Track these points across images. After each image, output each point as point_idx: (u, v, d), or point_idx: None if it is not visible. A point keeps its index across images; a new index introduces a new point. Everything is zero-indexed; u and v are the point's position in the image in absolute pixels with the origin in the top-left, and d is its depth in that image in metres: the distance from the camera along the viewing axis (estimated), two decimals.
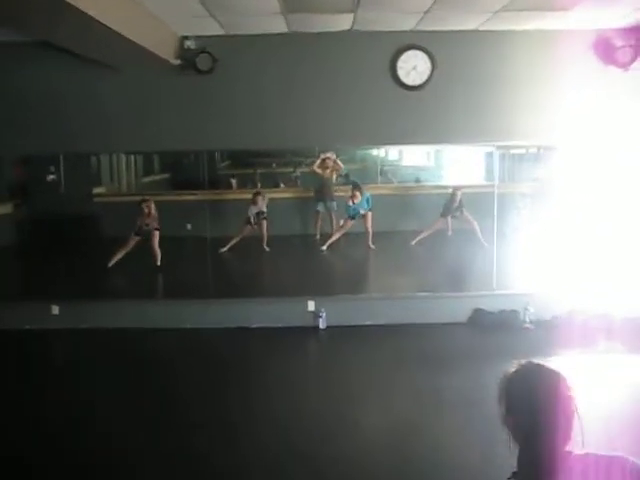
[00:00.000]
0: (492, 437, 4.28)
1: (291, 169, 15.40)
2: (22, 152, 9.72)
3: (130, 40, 5.13)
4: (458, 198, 9.20)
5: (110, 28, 4.67)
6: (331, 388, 5.49)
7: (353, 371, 5.89)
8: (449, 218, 9.36)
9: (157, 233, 9.40)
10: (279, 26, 6.41)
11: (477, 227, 8.64)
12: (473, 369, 5.87)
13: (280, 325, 6.91)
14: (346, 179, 11.28)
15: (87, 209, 11.26)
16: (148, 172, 17.18)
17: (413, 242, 9.03)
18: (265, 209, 10.10)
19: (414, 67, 6.67)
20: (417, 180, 12.71)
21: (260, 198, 10.19)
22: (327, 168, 11.37)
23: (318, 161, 11.69)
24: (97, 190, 13.01)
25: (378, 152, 15.50)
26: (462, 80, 6.72)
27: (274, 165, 16.04)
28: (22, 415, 5.01)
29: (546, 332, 6.64)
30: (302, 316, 6.98)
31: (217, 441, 4.49)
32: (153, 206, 9.76)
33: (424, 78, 6.69)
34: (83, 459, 4.26)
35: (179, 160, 16.91)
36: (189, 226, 11.70)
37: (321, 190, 11.08)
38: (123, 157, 15.44)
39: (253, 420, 4.80)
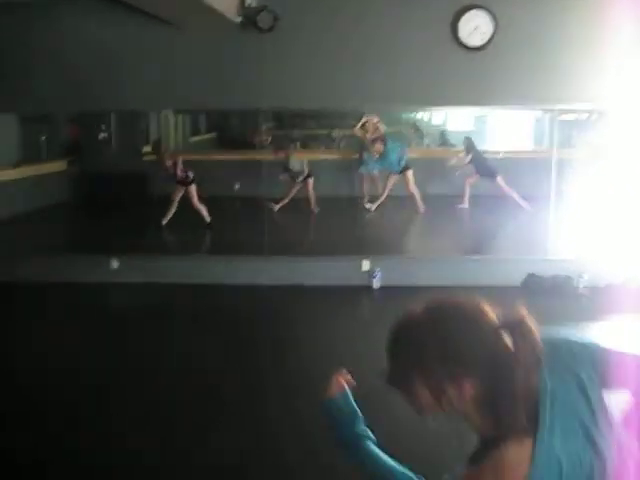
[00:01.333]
0: None
1: (334, 131, 15.42)
2: (76, 110, 9.85)
3: None
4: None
5: None
6: (380, 348, 5.54)
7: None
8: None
9: (192, 188, 9.32)
10: None
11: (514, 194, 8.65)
12: None
13: (334, 284, 6.98)
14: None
15: (137, 167, 11.39)
16: (195, 132, 17.35)
17: (460, 205, 9.04)
18: (303, 169, 10.11)
19: (476, 27, 6.58)
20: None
21: (293, 158, 10.22)
22: (368, 131, 11.37)
23: (359, 124, 11.69)
24: (146, 149, 13.16)
25: (422, 115, 15.42)
26: (525, 41, 6.61)
27: (316, 127, 16.09)
28: (82, 366, 5.18)
29: (600, 299, 6.60)
30: (356, 276, 7.05)
31: (276, 404, 4.58)
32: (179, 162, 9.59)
33: (486, 39, 6.59)
34: (145, 408, 4.41)
35: (225, 120, 17.04)
36: (237, 185, 11.82)
37: (363, 152, 11.12)
38: (171, 116, 15.60)
39: (308, 380, 4.85)
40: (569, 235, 7.85)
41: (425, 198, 9.66)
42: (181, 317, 6.35)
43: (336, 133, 15.54)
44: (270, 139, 14.53)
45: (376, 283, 6.95)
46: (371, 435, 1.61)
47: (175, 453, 3.80)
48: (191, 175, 9.34)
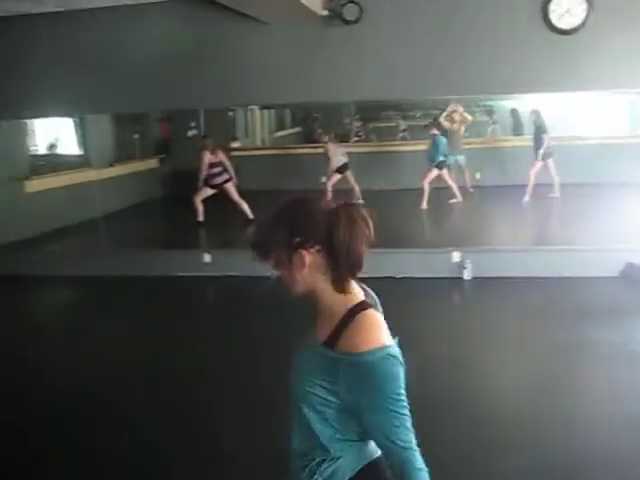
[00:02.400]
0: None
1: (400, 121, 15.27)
2: (167, 108, 10.16)
3: None
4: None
5: None
6: (471, 338, 5.48)
7: (496, 322, 5.85)
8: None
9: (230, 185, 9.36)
10: None
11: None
12: (625, 323, 5.69)
13: (426, 276, 6.93)
14: None
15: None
16: (280, 127, 17.57)
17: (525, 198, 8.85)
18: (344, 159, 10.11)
19: (568, 10, 6.36)
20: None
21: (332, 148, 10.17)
22: (455, 121, 11.18)
23: (444, 114, 11.51)
24: (233, 144, 13.43)
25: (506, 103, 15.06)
26: (619, 23, 6.33)
27: (404, 118, 15.98)
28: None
29: None
30: (447, 267, 6.98)
31: None
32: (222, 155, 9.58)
33: (578, 22, 6.36)
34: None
35: (310, 114, 17.16)
36: (323, 179, 11.90)
37: (450, 143, 10.93)
38: (257, 112, 15.87)
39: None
40: None
41: (509, 188, 9.49)
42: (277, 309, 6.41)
43: (402, 124, 15.47)
44: (360, 132, 14.61)
45: (467, 274, 6.85)
46: None
47: None
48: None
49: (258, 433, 3.90)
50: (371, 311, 1.70)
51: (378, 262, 7.10)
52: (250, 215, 9.08)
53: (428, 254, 7.19)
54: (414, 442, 1.60)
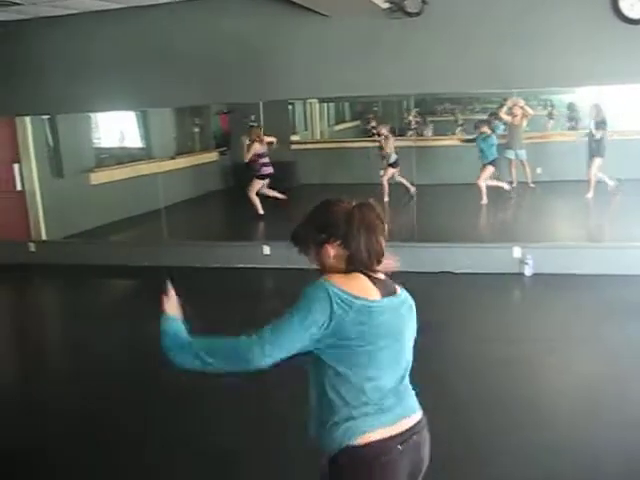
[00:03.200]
0: None
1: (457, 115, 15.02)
2: (227, 101, 10.25)
3: None
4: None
5: None
6: (530, 335, 5.36)
7: (558, 320, 5.70)
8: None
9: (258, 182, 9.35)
10: None
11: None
12: None
13: (485, 271, 6.83)
14: None
15: (284, 155, 11.64)
16: (339, 120, 17.53)
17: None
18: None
19: None
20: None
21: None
22: (516, 115, 10.96)
23: (505, 108, 11.28)
24: (293, 138, 13.46)
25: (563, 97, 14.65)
26: None
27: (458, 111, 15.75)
28: None
29: None
30: (508, 263, 6.85)
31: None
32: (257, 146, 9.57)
33: None
34: None
35: (369, 108, 17.07)
36: (381, 172, 11.83)
37: (510, 137, 10.74)
38: (316, 105, 15.86)
39: (447, 363, 4.81)
40: None
41: (570, 183, 9.30)
42: None
43: (460, 118, 15.22)
44: (417, 126, 14.47)
45: (528, 270, 6.72)
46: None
47: None
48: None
49: None
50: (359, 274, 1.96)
51: (437, 257, 7.11)
52: (261, 211, 9.22)
53: (488, 249, 7.07)
54: (262, 337, 1.85)
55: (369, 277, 1.95)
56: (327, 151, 13.13)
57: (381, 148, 10.41)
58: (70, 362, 5.56)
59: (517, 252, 6.86)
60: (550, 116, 13.50)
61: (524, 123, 10.95)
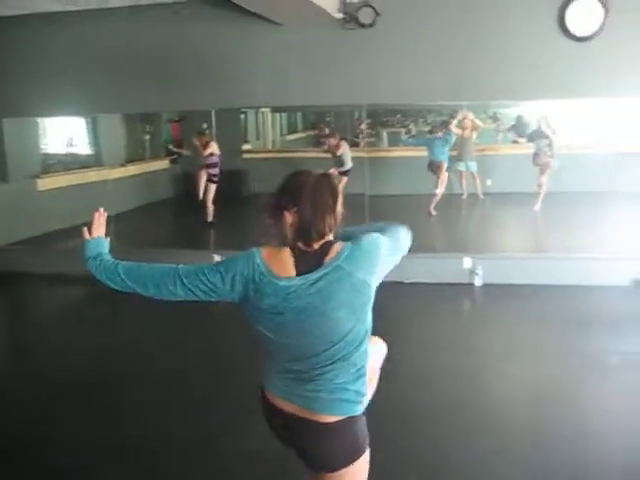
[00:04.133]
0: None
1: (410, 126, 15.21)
2: (178, 109, 10.17)
3: None
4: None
5: None
6: (479, 344, 5.42)
7: (506, 330, 5.78)
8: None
9: (213, 187, 9.25)
10: None
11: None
12: (626, 334, 5.63)
13: (436, 281, 6.89)
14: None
15: (236, 164, 11.59)
16: (291, 130, 17.53)
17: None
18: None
19: (584, 16, 6.33)
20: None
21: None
22: (466, 128, 11.15)
23: (455, 120, 11.47)
24: (245, 147, 13.42)
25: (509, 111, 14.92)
26: (636, 30, 6.31)
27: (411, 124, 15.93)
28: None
29: None
30: (458, 273, 6.93)
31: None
32: (214, 147, 9.44)
33: (595, 28, 6.34)
34: None
35: (321, 118, 17.12)
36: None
37: (461, 149, 10.93)
38: (268, 115, 15.84)
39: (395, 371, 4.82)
40: None
41: (520, 195, 9.50)
42: None
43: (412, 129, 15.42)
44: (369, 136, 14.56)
45: (478, 281, 6.81)
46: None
47: None
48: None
49: None
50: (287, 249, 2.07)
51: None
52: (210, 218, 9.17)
53: (439, 259, 7.14)
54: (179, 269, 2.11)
55: (295, 251, 2.04)
56: (279, 160, 13.09)
57: (333, 154, 10.38)
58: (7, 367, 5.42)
59: (467, 263, 6.95)
60: (498, 128, 13.78)
61: (474, 136, 11.15)
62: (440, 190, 9.50)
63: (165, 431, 4.00)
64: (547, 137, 9.24)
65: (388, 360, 2.81)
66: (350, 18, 6.54)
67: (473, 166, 10.49)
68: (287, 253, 2.04)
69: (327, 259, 2.01)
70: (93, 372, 4.95)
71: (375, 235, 2.11)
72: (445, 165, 9.87)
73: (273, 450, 2.54)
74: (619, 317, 6.00)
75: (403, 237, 2.35)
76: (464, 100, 7.90)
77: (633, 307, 6.29)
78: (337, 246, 2.04)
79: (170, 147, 9.55)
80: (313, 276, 2.00)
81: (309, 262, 2.01)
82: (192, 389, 4.65)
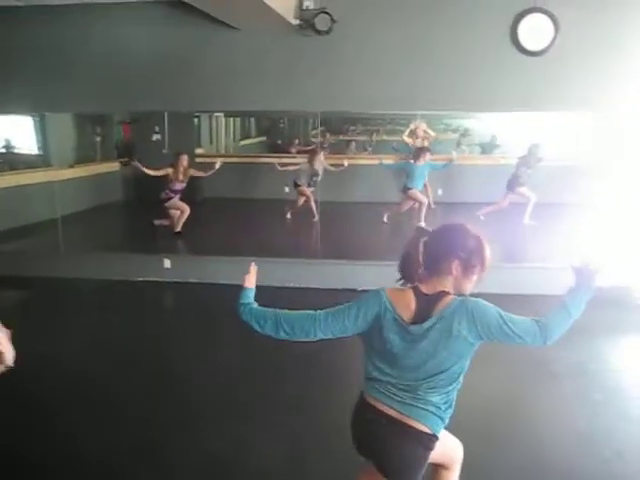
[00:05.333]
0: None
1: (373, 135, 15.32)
2: (130, 110, 10.02)
3: None
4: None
5: None
6: None
7: None
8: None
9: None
10: None
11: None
12: (572, 342, 5.73)
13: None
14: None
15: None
16: (245, 135, 17.46)
17: (480, 213, 8.92)
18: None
19: (536, 32, 6.47)
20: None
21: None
22: (418, 137, 11.28)
23: (407, 130, 11.60)
24: (198, 151, 13.30)
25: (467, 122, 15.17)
26: (585, 46, 6.48)
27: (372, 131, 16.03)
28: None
29: None
30: None
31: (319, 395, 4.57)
32: (193, 172, 9.15)
33: (546, 43, 6.49)
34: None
35: (274, 124, 17.10)
36: (287, 189, 11.84)
37: (412, 159, 11.05)
38: (222, 120, 15.75)
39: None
40: (624, 244, 7.66)
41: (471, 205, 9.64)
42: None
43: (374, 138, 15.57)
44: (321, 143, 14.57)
45: None
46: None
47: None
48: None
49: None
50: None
51: (340, 274, 7.15)
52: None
53: (389, 267, 7.15)
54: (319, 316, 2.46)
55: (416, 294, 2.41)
56: (233, 166, 13.00)
57: (310, 165, 10.17)
58: None
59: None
60: (458, 141, 14.00)
61: (425, 144, 11.29)
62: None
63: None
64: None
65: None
66: (306, 25, 6.53)
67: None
68: (411, 295, 2.41)
69: (439, 307, 2.36)
70: None
71: (482, 303, 2.43)
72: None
73: None
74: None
75: (524, 328, 2.50)
76: (418, 110, 7.98)
77: (582, 316, 6.41)
78: (448, 298, 2.38)
79: (135, 163, 9.21)
80: (427, 324, 2.34)
81: (426, 308, 2.37)
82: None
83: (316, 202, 9.65)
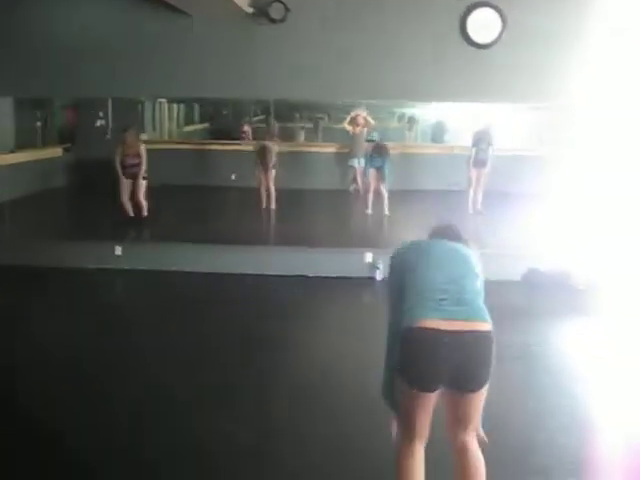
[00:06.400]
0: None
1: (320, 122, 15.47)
2: (73, 95, 9.84)
3: None
4: None
5: None
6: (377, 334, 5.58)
7: None
8: None
9: (144, 183, 8.75)
10: None
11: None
12: (518, 326, 5.97)
13: (339, 275, 7.05)
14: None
15: None
16: (189, 121, 17.33)
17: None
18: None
19: (484, 25, 6.66)
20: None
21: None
22: (358, 125, 11.46)
23: (348, 118, 11.77)
24: (143, 137, 13.14)
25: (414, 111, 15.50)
26: (530, 40, 6.69)
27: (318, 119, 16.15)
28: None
29: (598, 294, 6.69)
30: (360, 267, 7.12)
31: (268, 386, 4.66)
32: (143, 148, 8.82)
33: (493, 36, 6.68)
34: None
35: (218, 111, 17.02)
36: (233, 176, 11.86)
37: (354, 146, 11.24)
38: (165, 105, 15.59)
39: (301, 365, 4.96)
40: (566, 231, 7.99)
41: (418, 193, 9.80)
42: (182, 305, 6.38)
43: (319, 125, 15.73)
44: (251, 131, 14.59)
45: (379, 275, 7.02)
46: None
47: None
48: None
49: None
50: None
51: (290, 260, 7.24)
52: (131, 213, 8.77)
53: (342, 254, 7.32)
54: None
55: None
56: (177, 152, 12.91)
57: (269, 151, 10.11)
58: None
59: (369, 257, 7.16)
60: (408, 129, 14.29)
61: (365, 132, 11.49)
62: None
63: None
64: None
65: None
66: (261, 13, 6.55)
67: (363, 162, 10.69)
68: None
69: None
70: None
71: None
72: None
73: None
74: (510, 311, 6.36)
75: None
76: (366, 98, 8.09)
77: (523, 301, 6.70)
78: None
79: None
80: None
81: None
82: None
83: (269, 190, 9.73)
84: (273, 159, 9.79)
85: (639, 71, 6.62)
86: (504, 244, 7.53)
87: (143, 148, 8.74)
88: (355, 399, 4.23)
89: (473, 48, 6.78)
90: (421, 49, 6.87)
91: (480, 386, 2.67)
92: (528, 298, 6.85)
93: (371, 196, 9.60)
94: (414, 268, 2.81)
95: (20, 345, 5.20)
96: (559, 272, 7.08)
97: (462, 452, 2.76)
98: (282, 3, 6.53)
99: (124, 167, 8.56)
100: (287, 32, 6.76)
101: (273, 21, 6.59)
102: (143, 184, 8.69)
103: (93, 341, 5.32)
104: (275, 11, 6.54)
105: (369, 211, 9.58)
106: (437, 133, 13.54)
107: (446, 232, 3.10)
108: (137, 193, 8.64)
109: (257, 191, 9.77)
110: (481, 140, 9.50)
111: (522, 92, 6.82)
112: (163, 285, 6.93)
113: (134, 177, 8.63)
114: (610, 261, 7.08)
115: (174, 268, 7.15)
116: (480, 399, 2.72)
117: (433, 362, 2.61)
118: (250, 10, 6.54)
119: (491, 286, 6.61)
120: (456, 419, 2.77)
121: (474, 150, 9.49)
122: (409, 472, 2.72)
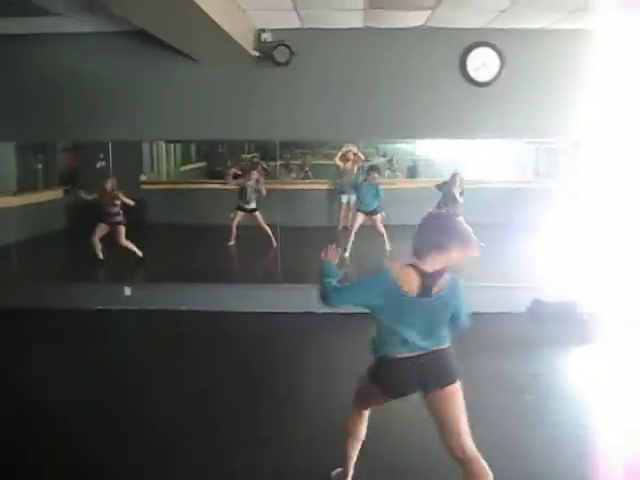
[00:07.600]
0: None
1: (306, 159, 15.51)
2: (73, 139, 9.94)
3: (218, 26, 5.23)
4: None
5: (200, 8, 4.69)
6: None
7: None
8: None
9: (122, 229, 8.81)
10: (355, 21, 6.61)
11: None
12: (527, 357, 6.05)
13: (348, 312, 7.04)
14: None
15: (134, 195, 11.37)
16: (186, 160, 17.37)
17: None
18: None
19: (483, 64, 6.87)
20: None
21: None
22: (348, 160, 11.52)
23: (340, 153, 11.82)
24: (143, 177, 13.27)
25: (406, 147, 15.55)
26: (530, 77, 6.89)
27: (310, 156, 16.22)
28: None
29: (603, 325, 6.75)
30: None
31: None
32: (121, 196, 8.90)
33: (492, 75, 6.87)
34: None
35: (214, 148, 17.08)
36: (232, 215, 11.89)
37: (344, 182, 11.26)
38: (163, 145, 15.65)
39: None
40: (569, 262, 8.06)
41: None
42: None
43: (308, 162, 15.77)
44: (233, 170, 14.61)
45: None
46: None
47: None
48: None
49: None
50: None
51: (298, 298, 7.26)
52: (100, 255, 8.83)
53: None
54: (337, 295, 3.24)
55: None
56: (174, 191, 12.98)
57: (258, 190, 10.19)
58: None
59: None
60: (391, 165, 14.35)
61: (355, 168, 11.53)
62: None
63: None
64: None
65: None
66: (266, 56, 6.70)
67: (354, 199, 10.73)
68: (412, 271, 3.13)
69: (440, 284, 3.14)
70: None
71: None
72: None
73: None
74: (517, 342, 6.43)
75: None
76: (368, 138, 8.25)
77: (527, 332, 6.79)
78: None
79: (82, 194, 9.05)
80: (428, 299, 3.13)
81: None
82: None
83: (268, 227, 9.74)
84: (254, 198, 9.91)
85: (638, 107, 6.80)
86: (508, 277, 7.59)
87: (122, 196, 8.79)
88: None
89: (473, 86, 6.97)
90: (420, 88, 7.05)
91: (452, 379, 3.17)
92: (534, 329, 6.92)
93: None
94: (392, 317, 3.14)
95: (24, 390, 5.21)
96: (564, 302, 7.17)
97: (464, 462, 3.09)
98: (287, 47, 6.68)
99: (104, 214, 8.67)
100: (292, 75, 6.93)
101: (278, 64, 6.74)
102: (122, 230, 8.76)
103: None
104: (280, 54, 6.69)
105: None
106: (412, 168, 13.58)
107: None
108: (119, 240, 8.70)
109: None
110: (446, 194, 9.41)
111: (521, 129, 6.99)
112: (172, 324, 6.97)
113: (113, 224, 8.74)
114: (614, 290, 7.17)
115: (178, 307, 7.21)
116: (458, 395, 3.17)
117: (405, 381, 3.18)
118: (255, 54, 6.69)
119: (497, 318, 6.85)
120: (446, 427, 3.13)
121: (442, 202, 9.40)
122: (357, 427, 3.53)
